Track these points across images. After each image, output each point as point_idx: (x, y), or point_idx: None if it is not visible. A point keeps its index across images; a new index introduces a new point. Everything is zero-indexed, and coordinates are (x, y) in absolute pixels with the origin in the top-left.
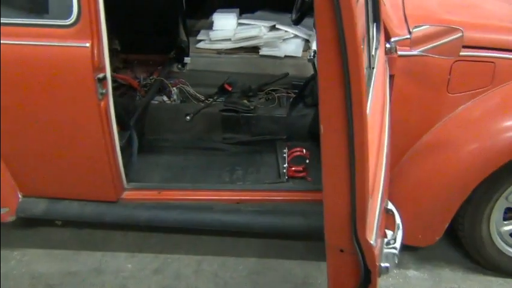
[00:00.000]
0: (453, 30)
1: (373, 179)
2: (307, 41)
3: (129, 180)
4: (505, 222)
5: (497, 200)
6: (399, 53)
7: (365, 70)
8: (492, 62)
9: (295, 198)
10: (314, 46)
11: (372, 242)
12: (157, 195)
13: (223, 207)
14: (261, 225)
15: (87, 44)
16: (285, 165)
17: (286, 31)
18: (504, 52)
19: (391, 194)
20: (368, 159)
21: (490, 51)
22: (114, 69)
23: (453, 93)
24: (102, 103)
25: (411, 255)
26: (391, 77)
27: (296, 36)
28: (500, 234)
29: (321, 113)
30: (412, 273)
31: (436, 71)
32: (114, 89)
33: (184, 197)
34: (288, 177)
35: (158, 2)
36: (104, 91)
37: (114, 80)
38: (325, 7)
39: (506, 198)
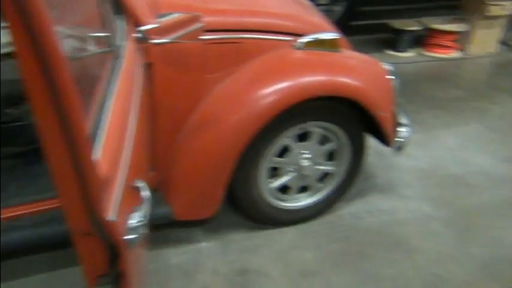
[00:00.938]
0: (194, 16)
1: (111, 163)
2: None
3: None
4: (271, 180)
5: (261, 162)
6: (153, 41)
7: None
8: (239, 43)
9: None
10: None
11: (111, 218)
12: None
13: None
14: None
15: None
16: None
17: None
18: (248, 32)
19: (172, 174)
20: (88, 145)
21: (235, 32)
22: None
23: (210, 74)
24: None
25: (200, 229)
26: (150, 65)
27: None
28: (269, 191)
29: (33, 108)
30: (203, 245)
31: (192, 55)
32: None
33: None
34: None
35: None
36: None
37: None
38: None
39: (268, 159)
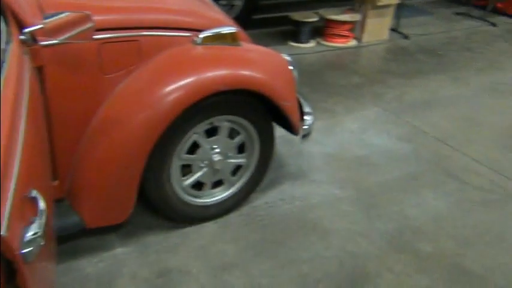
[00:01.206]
0: (83, 15)
1: None
2: None
3: None
4: (184, 178)
5: (171, 161)
6: (41, 43)
7: None
8: (137, 41)
9: None
10: None
11: (2, 233)
12: None
13: None
14: None
15: None
16: None
17: None
18: (146, 30)
19: (78, 181)
20: None
21: (132, 30)
22: None
23: (109, 75)
24: None
25: (115, 235)
26: (40, 68)
27: None
28: (183, 188)
29: None
30: (119, 250)
31: (86, 56)
32: None
33: None
34: None
35: None
36: None
37: None
38: None
39: (179, 157)
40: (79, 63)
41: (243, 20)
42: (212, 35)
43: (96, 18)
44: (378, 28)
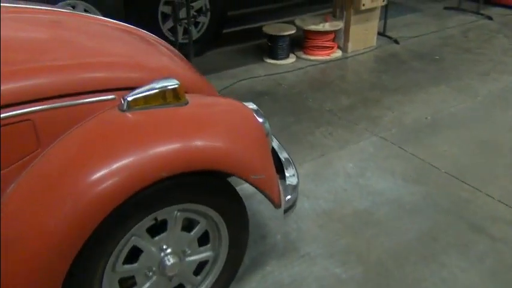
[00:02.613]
0: None
1: None
2: None
3: None
4: None
5: (102, 279)
6: None
7: None
8: (28, 120)
9: None
10: None
11: None
12: None
13: None
14: None
15: None
16: None
17: None
18: (41, 103)
19: None
20: None
21: (19, 107)
22: None
23: None
24: None
25: None
26: None
27: None
28: None
29: None
30: None
31: None
32: None
33: None
34: None
35: None
36: None
37: None
38: None
39: (113, 271)
40: None
41: (212, 37)
42: (144, 97)
43: None
44: (363, 35)
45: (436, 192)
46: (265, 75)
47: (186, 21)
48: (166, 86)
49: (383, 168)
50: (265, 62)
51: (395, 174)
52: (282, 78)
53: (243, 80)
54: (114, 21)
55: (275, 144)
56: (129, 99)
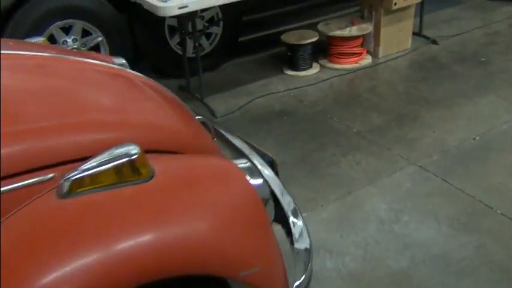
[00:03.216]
0: None
1: None
2: None
3: None
4: None
5: None
6: None
7: None
8: None
9: None
10: None
11: None
12: None
13: None
14: None
15: None
16: None
17: None
18: None
19: None
20: None
21: None
22: None
23: None
24: None
25: None
26: None
27: None
28: None
29: None
30: None
31: None
32: None
33: None
34: None
35: None
36: None
37: None
38: None
39: None
40: None
41: (226, 48)
42: (89, 175)
43: None
44: (396, 37)
45: (491, 244)
46: (284, 91)
47: (197, 33)
48: (120, 158)
49: (423, 211)
50: (285, 73)
51: (440, 218)
52: (303, 93)
53: (260, 97)
54: (94, 61)
55: (277, 189)
56: (72, 179)
